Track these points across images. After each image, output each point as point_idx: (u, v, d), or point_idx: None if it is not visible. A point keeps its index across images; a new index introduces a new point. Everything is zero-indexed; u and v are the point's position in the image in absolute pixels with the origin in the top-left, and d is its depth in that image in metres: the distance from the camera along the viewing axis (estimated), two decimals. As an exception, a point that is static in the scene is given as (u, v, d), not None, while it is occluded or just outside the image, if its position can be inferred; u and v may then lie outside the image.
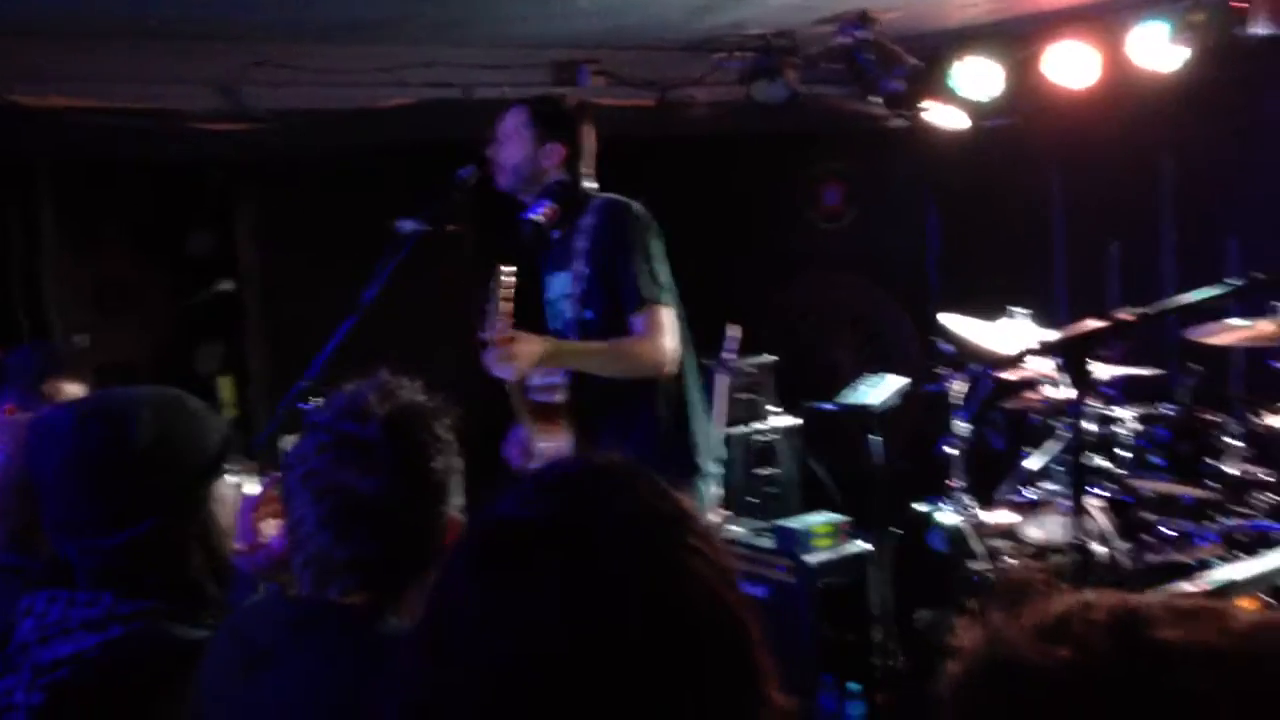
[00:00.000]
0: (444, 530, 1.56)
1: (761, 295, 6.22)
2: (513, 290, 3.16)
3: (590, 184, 3.41)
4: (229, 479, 1.82)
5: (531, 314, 3.42)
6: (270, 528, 1.92)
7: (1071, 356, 2.28)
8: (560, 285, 3.39)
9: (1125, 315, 2.23)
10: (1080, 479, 2.76)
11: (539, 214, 3.30)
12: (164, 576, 1.72)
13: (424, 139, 5.06)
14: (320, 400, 3.24)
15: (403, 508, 1.51)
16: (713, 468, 3.47)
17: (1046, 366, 4.25)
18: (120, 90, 4.58)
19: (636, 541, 0.95)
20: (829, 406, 4.89)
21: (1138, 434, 4.11)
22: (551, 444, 3.29)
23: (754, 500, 5.30)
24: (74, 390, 3.25)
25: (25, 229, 4.89)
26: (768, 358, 5.57)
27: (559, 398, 3.37)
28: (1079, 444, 2.55)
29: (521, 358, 3.14)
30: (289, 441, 3.73)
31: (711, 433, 3.52)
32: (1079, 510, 2.54)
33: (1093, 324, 2.24)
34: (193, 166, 5.00)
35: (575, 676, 0.90)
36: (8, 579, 1.96)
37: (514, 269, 3.17)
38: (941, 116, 5.77)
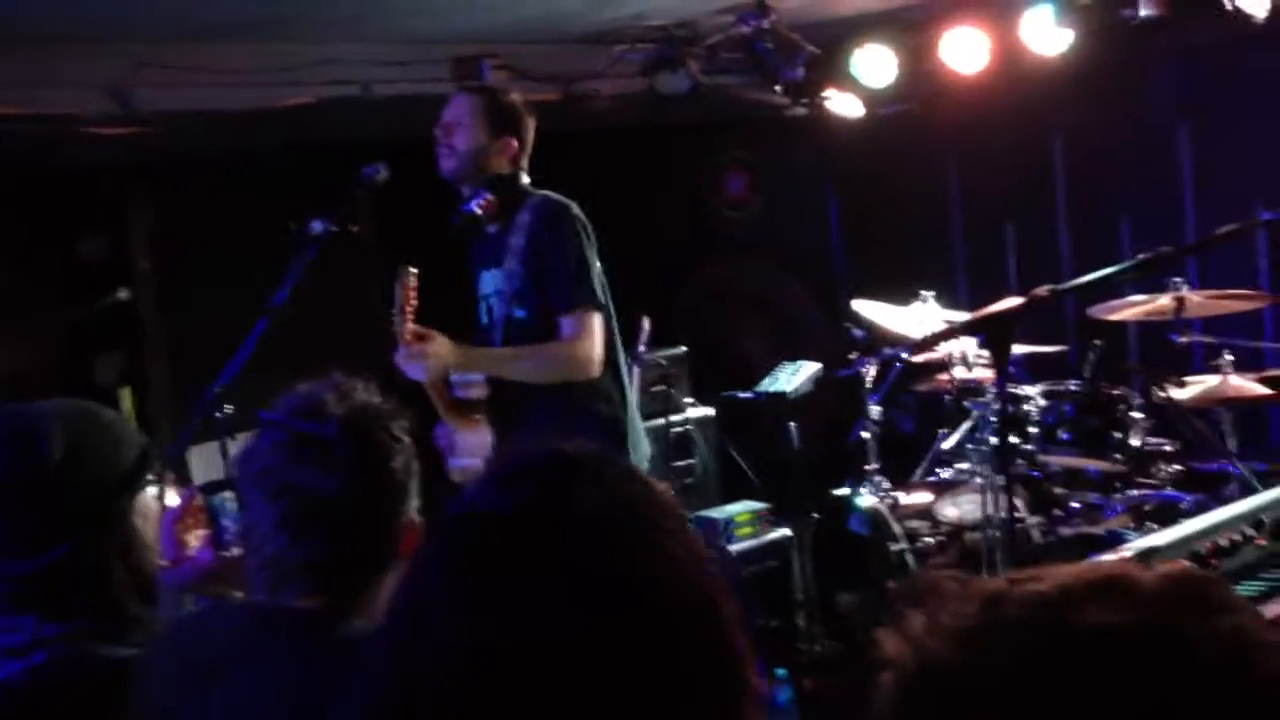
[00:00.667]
0: (402, 532, 1.53)
1: (669, 286, 6.23)
2: (415, 290, 3.15)
3: (526, 179, 3.39)
4: (149, 491, 1.75)
5: (459, 310, 3.38)
6: (194, 540, 1.86)
7: (993, 335, 2.32)
8: (492, 281, 3.36)
9: (1041, 292, 2.27)
10: (1006, 454, 2.79)
11: (477, 206, 3.27)
12: (87, 597, 1.65)
13: (323, 138, 4.96)
14: (230, 407, 3.17)
15: (362, 509, 1.47)
16: (645, 464, 3.46)
17: (957, 348, 4.33)
18: (4, 95, 4.40)
19: (611, 529, 0.94)
20: (745, 395, 4.91)
21: (1044, 410, 4.20)
22: (473, 438, 3.26)
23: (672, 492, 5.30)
24: None
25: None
26: (679, 349, 5.58)
27: (475, 393, 3.35)
28: (1005, 420, 2.59)
29: (432, 357, 3.13)
30: (199, 451, 3.62)
31: (640, 427, 3.52)
32: (1009, 484, 2.58)
33: (1012, 301, 2.28)
34: (82, 172, 4.82)
35: (554, 667, 0.88)
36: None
37: (416, 270, 3.17)
38: (840, 104, 5.84)
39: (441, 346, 3.15)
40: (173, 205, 5.14)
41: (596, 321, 3.21)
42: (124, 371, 4.92)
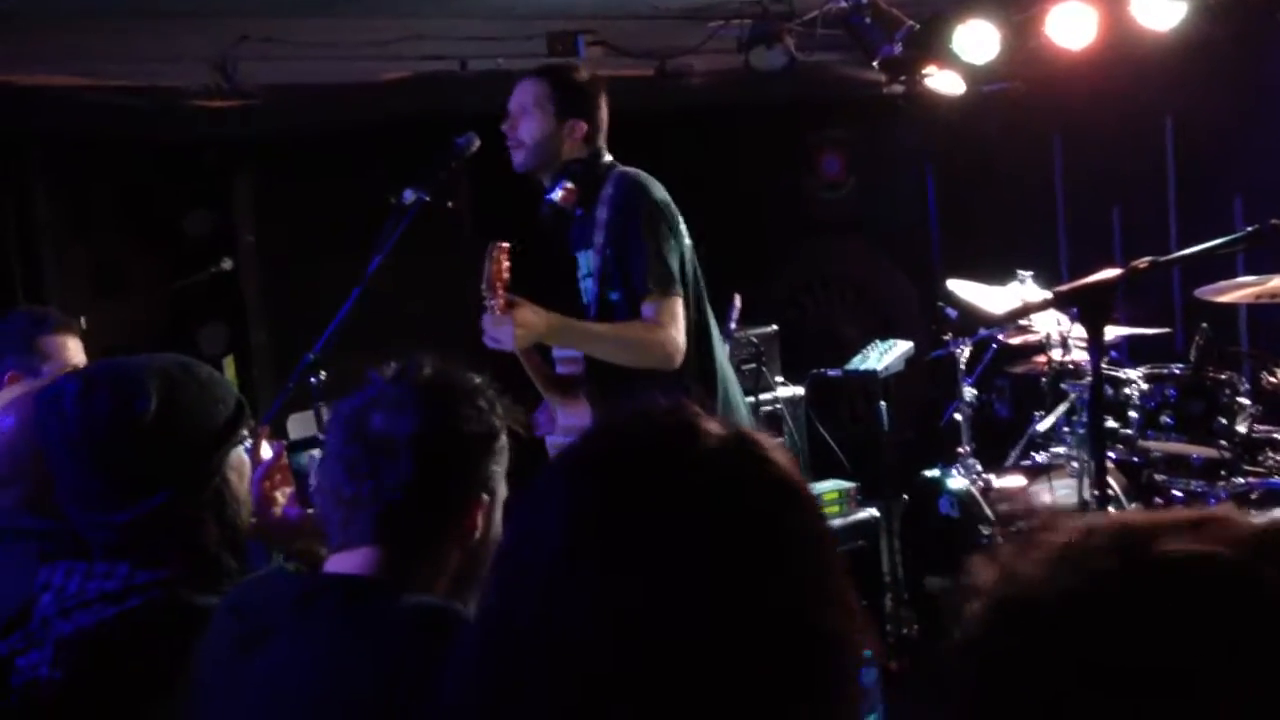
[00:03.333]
0: (468, 505, 1.55)
1: (761, 264, 6.18)
2: (507, 265, 3.08)
3: (607, 157, 3.28)
4: (243, 447, 1.78)
5: (567, 294, 3.33)
6: (281, 496, 1.89)
7: (1089, 307, 2.25)
8: (586, 262, 3.27)
9: (1141, 263, 2.19)
10: (1100, 433, 2.70)
11: (557, 195, 3.18)
12: (179, 547, 1.69)
13: (419, 112, 5.02)
14: (324, 374, 3.22)
15: (428, 463, 1.49)
16: None
17: (1053, 329, 4.22)
18: (112, 69, 4.53)
19: (737, 466, 0.95)
20: (835, 373, 4.85)
21: (1145, 394, 4.08)
22: (574, 415, 3.22)
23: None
24: (70, 344, 3.20)
25: (19, 211, 4.84)
26: (770, 327, 5.54)
27: (575, 369, 3.28)
28: (1097, 397, 2.50)
29: (519, 325, 3.03)
30: (296, 418, 3.70)
31: (743, 406, 3.42)
32: (1101, 465, 2.50)
33: (1110, 273, 2.21)
34: (187, 145, 4.95)
35: (694, 624, 0.89)
36: (25, 544, 1.92)
37: (508, 245, 3.09)
38: (940, 82, 5.73)
39: (530, 314, 3.06)
40: (275, 177, 5.26)
41: (677, 307, 3.10)
42: (227, 340, 5.05)
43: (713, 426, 0.96)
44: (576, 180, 3.19)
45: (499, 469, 1.59)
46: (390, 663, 1.36)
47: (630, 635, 0.87)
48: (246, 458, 1.79)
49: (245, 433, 1.77)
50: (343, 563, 1.51)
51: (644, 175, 3.24)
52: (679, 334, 3.11)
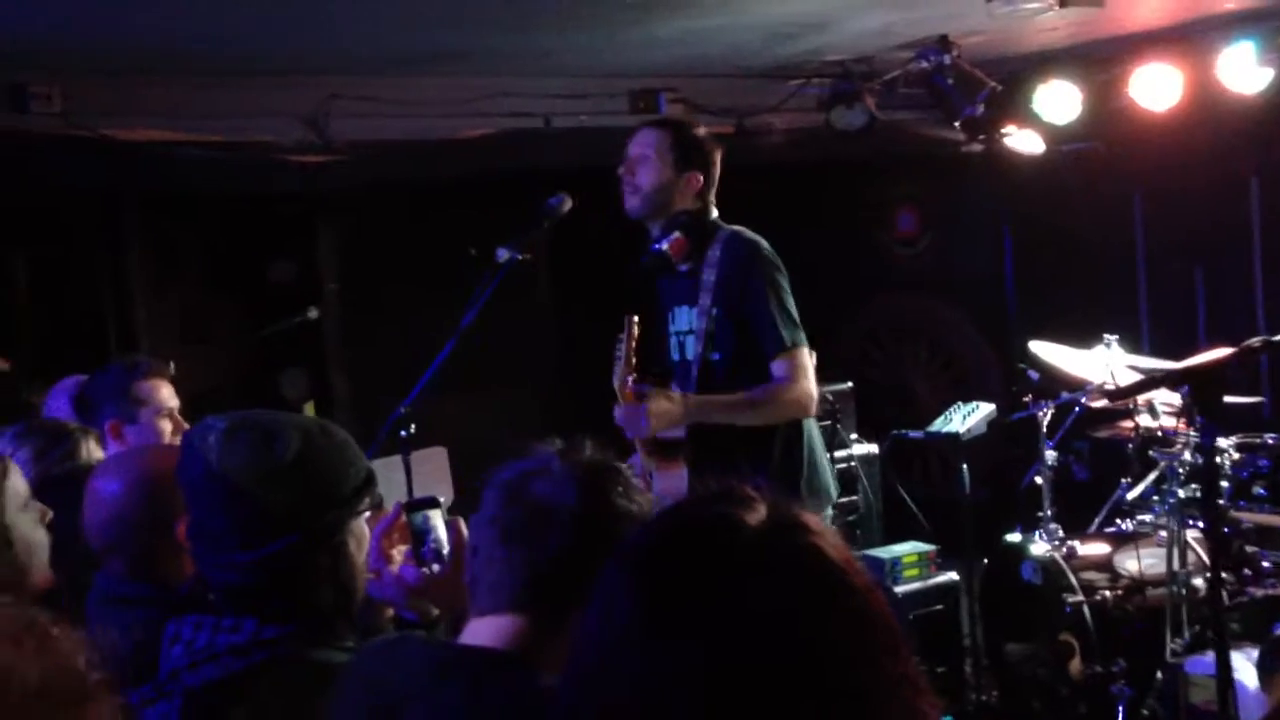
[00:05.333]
0: None
1: (837, 321, 6.17)
2: (636, 338, 3.13)
3: (714, 213, 3.33)
4: (365, 517, 1.81)
5: (649, 345, 3.37)
6: (398, 555, 1.91)
7: (1203, 387, 2.21)
8: (686, 319, 3.31)
9: (1254, 343, 2.16)
10: (1215, 512, 2.65)
11: (666, 246, 3.22)
12: (299, 603, 1.72)
13: (503, 168, 5.10)
14: (414, 426, 3.25)
15: (583, 534, 1.50)
16: (829, 503, 3.40)
17: (1143, 395, 4.16)
18: (204, 124, 4.65)
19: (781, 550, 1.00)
20: (916, 434, 4.81)
21: (1237, 464, 4.00)
22: (672, 479, 3.22)
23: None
24: (163, 388, 3.26)
25: (114, 262, 4.97)
26: (846, 384, 5.51)
27: (676, 433, 3.28)
28: (1212, 477, 2.46)
29: (658, 416, 3.08)
30: (380, 466, 3.74)
31: (826, 470, 3.42)
32: (1217, 541, 2.44)
33: (1221, 352, 2.17)
34: (275, 198, 5.05)
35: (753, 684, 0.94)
36: (133, 610, 1.96)
37: (637, 318, 3.15)
38: (1020, 141, 5.71)
39: (667, 403, 3.10)
40: (359, 229, 5.35)
41: (804, 359, 3.18)
42: (308, 387, 5.12)
43: (756, 515, 1.01)
44: (687, 232, 3.23)
45: None
46: None
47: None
48: (368, 531, 1.82)
49: (370, 503, 1.80)
50: (483, 629, 1.52)
51: (751, 233, 3.28)
52: (810, 384, 3.19)
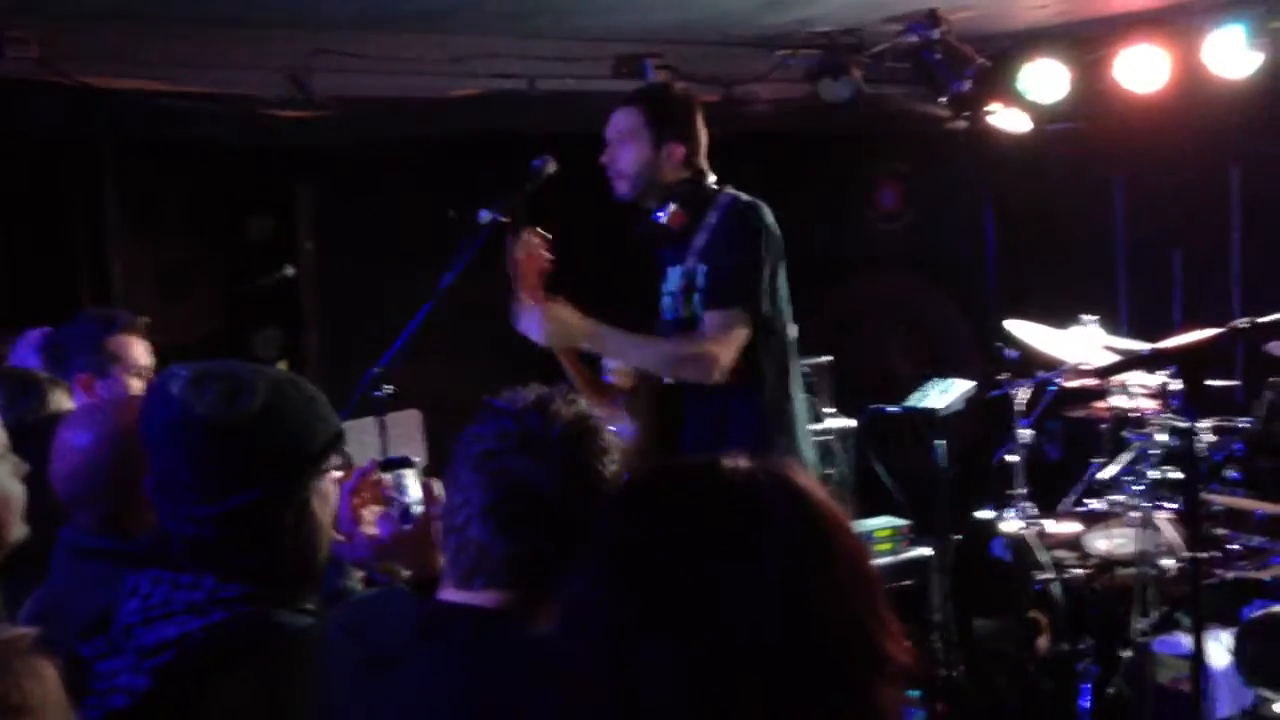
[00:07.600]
0: None
1: (817, 294, 6.14)
2: (539, 255, 3.08)
3: (711, 177, 3.27)
4: (332, 476, 1.78)
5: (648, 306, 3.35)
6: (369, 515, 1.89)
7: (1188, 367, 2.21)
8: (674, 280, 3.28)
9: (1241, 324, 2.16)
10: (1195, 494, 2.66)
11: (664, 218, 3.18)
12: (260, 561, 1.69)
13: (486, 130, 5.05)
14: (389, 388, 3.23)
15: (567, 512, 1.48)
16: None
17: (1118, 376, 4.17)
18: (187, 75, 4.58)
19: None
20: (893, 409, 4.82)
21: (1212, 446, 4.02)
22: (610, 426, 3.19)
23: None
24: (137, 345, 3.22)
25: (89, 211, 4.90)
26: (824, 358, 5.50)
27: (621, 381, 3.27)
28: (1191, 456, 2.48)
29: (552, 321, 3.04)
30: (352, 427, 3.71)
31: (807, 445, 3.38)
32: (1197, 523, 2.46)
33: (1207, 332, 2.17)
34: (256, 152, 4.99)
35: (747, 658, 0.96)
36: (98, 563, 1.93)
37: (543, 234, 3.10)
38: (1005, 119, 5.70)
39: (565, 312, 3.06)
40: (338, 188, 5.29)
41: (735, 323, 3.05)
42: (281, 346, 5.08)
43: (740, 462, 1.02)
44: (683, 204, 3.18)
45: None
46: (525, 696, 1.36)
47: (681, 657, 0.94)
48: (334, 490, 1.79)
49: (339, 462, 1.77)
50: (462, 600, 1.50)
51: (756, 200, 3.21)
52: (725, 351, 3.04)
